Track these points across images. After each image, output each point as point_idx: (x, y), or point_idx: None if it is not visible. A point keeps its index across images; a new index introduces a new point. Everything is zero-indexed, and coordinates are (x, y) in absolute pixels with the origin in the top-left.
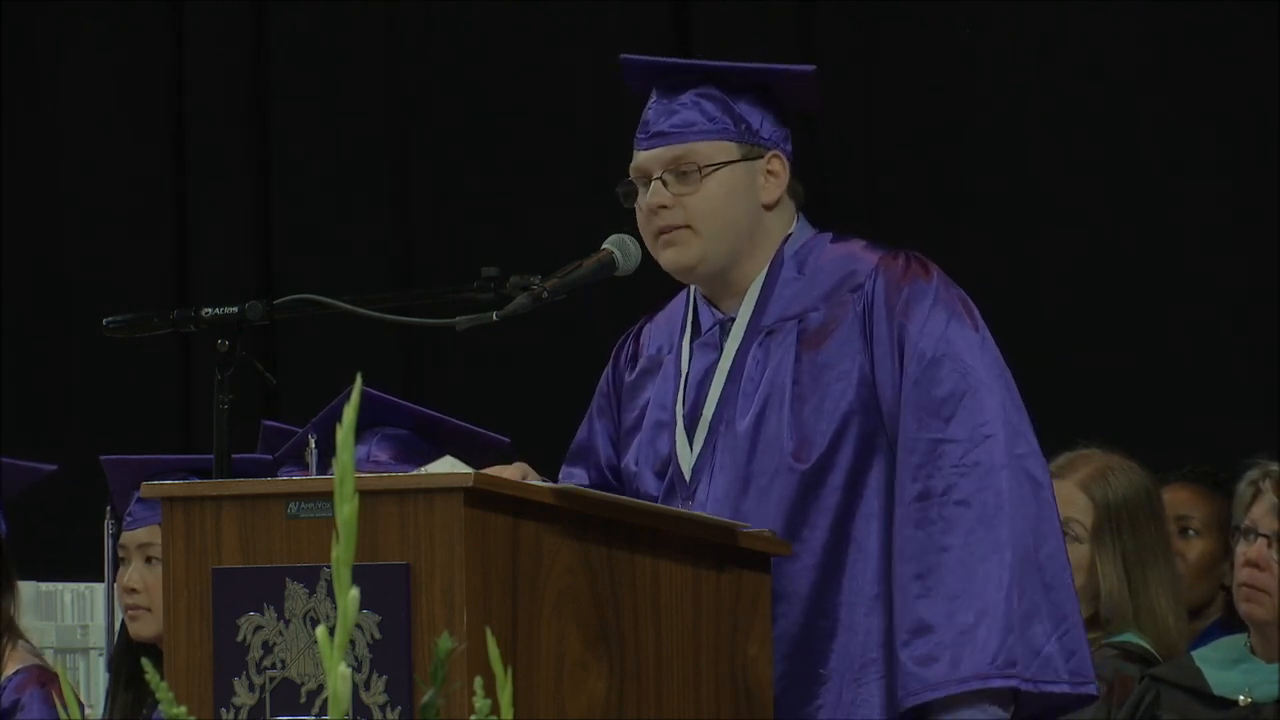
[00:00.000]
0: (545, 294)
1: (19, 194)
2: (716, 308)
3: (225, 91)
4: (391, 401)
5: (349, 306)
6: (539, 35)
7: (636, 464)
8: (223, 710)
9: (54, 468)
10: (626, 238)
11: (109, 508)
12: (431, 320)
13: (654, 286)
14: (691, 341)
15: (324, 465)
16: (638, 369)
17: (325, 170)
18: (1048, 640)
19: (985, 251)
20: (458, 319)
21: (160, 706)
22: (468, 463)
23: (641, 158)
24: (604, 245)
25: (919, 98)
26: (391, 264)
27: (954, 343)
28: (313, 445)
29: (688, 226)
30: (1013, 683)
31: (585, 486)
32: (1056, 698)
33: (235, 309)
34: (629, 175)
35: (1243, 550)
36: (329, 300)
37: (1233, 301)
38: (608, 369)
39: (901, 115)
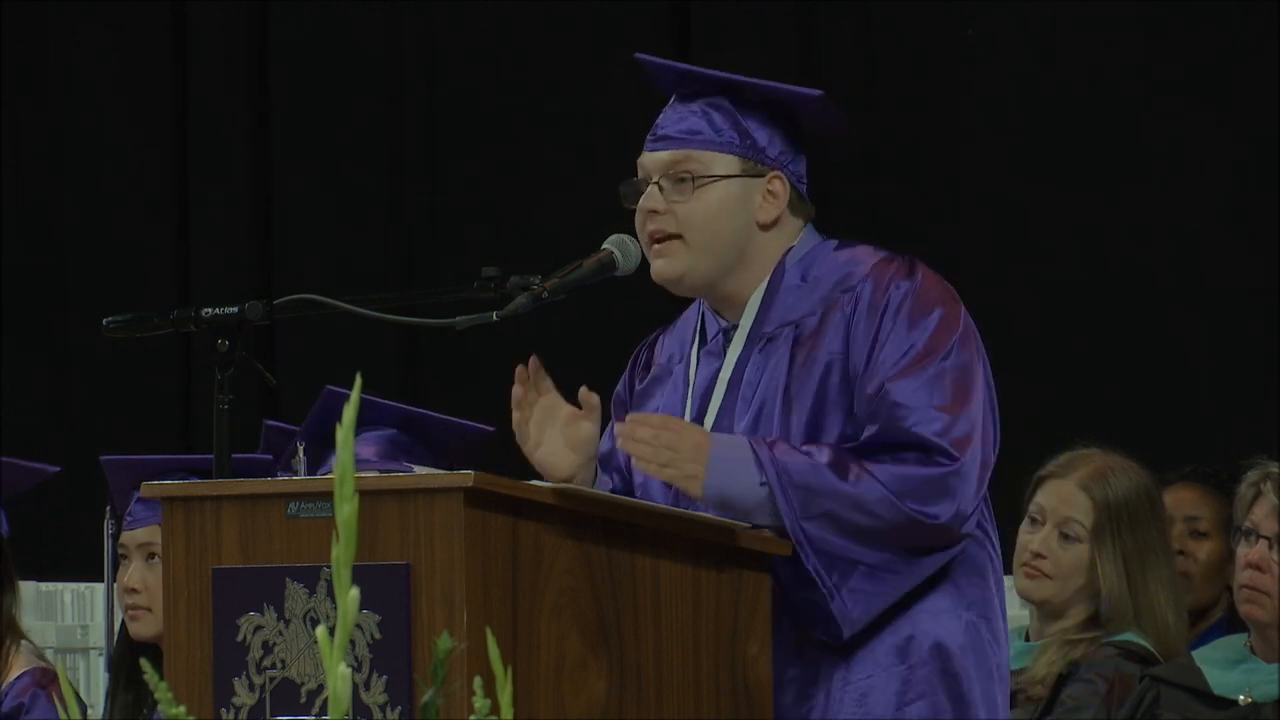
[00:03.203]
0: (545, 294)
1: (20, 194)
2: (721, 316)
3: (226, 92)
4: (374, 400)
5: (349, 306)
6: (539, 34)
7: (644, 473)
8: (223, 710)
9: (57, 469)
10: (626, 238)
11: (109, 508)
12: (431, 320)
13: (654, 287)
14: (699, 351)
15: (312, 471)
16: (649, 376)
17: (325, 170)
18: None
19: (986, 251)
20: (458, 319)
21: (160, 706)
22: (453, 456)
23: (644, 159)
24: (604, 245)
25: (920, 97)
26: (391, 264)
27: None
28: (301, 453)
29: (679, 236)
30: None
31: (609, 492)
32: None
33: (235, 309)
34: (636, 174)
35: (1244, 552)
36: (329, 300)
37: (1233, 301)
38: (625, 375)
39: (903, 115)
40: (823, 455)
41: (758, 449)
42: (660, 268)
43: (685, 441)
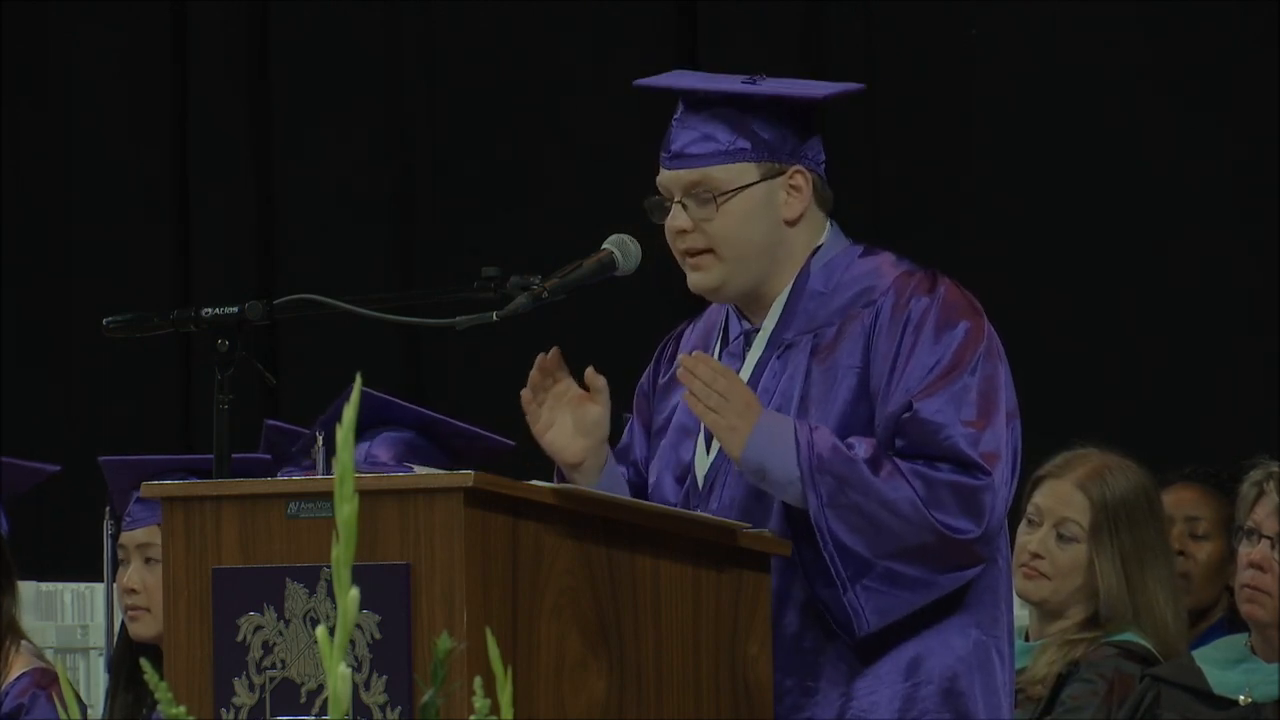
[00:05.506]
0: (545, 294)
1: (20, 193)
2: (746, 318)
3: (226, 92)
4: (393, 402)
5: (349, 306)
6: (541, 34)
7: (658, 468)
8: (223, 710)
9: (57, 468)
10: (626, 238)
11: (109, 508)
12: (431, 320)
13: (656, 287)
14: (721, 350)
15: (329, 462)
16: (671, 370)
17: (325, 170)
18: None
19: (986, 251)
20: (458, 319)
21: (160, 706)
22: (469, 464)
23: (663, 177)
24: (604, 245)
25: (921, 97)
26: (391, 264)
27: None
28: (320, 443)
29: (710, 251)
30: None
31: (626, 483)
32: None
33: (235, 309)
34: (656, 190)
35: (1245, 551)
36: (329, 300)
37: (1233, 301)
38: (650, 367)
39: (904, 114)
40: (861, 449)
41: (799, 431)
42: (697, 280)
43: (738, 396)
